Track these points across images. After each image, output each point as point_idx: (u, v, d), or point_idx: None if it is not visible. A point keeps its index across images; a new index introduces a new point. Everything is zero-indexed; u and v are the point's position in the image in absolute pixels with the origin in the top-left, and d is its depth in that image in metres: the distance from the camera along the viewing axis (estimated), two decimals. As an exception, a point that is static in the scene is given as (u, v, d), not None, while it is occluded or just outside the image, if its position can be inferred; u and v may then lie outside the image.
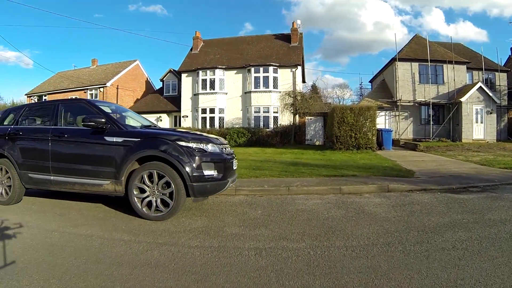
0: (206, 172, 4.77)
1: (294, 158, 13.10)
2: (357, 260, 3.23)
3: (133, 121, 6.35)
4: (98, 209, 5.37)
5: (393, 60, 22.97)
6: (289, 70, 23.37)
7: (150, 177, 4.78)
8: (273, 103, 22.83)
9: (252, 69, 23.62)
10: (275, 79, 23.42)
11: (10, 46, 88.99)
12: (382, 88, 24.54)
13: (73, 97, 32.10)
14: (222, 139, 5.53)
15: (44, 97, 33.91)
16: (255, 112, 23.62)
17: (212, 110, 24.71)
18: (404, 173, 8.50)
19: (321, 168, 9.43)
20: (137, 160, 4.88)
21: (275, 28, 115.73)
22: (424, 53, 22.16)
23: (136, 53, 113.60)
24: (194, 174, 4.65)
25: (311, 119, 23.42)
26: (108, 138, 5.01)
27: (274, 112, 22.96)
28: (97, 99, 30.58)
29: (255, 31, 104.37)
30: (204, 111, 24.86)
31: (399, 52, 22.99)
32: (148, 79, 37.34)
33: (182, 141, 4.80)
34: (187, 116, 26.02)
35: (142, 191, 4.81)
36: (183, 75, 26.26)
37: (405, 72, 22.34)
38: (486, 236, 3.85)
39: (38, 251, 3.51)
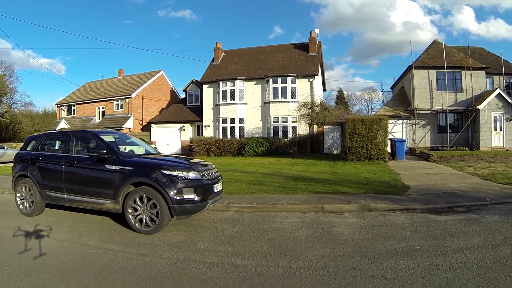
0: (186, 196, 5.85)
1: (302, 170, 13.93)
2: (285, 280, 3.85)
3: (137, 147, 7.84)
4: (103, 222, 6.73)
5: (409, 68, 23.42)
6: (307, 80, 24.29)
7: (141, 199, 5.96)
8: (291, 113, 23.80)
9: (271, 80, 24.70)
10: (293, 89, 24.40)
11: (43, 54, 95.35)
12: (401, 96, 25.04)
13: (100, 107, 34.18)
14: (208, 165, 6.70)
15: (73, 107, 36.27)
16: (274, 122, 24.66)
17: (232, 120, 25.97)
18: (398, 190, 8.94)
19: (319, 183, 10.15)
20: (131, 184, 6.07)
21: (304, 30, 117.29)
22: (442, 59, 22.47)
23: (162, 63, 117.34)
24: (175, 198, 5.75)
25: (329, 128, 24.17)
26: (108, 166, 6.29)
27: (292, 122, 23.92)
28: (123, 109, 32.51)
29: (284, 34, 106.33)
30: (225, 121, 26.15)
31: (416, 60, 23.45)
32: (173, 88, 39.09)
33: (167, 170, 5.93)
34: (209, 126, 27.38)
35: (135, 210, 6.00)
36: (205, 86, 27.67)
37: (422, 79, 22.76)
38: (426, 266, 4.09)
39: (47, 256, 4.83)
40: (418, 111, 22.26)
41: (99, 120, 33.83)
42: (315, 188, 9.34)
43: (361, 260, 4.41)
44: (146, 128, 31.59)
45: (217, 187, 6.56)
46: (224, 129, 26.16)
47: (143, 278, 4.03)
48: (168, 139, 29.86)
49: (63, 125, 33.35)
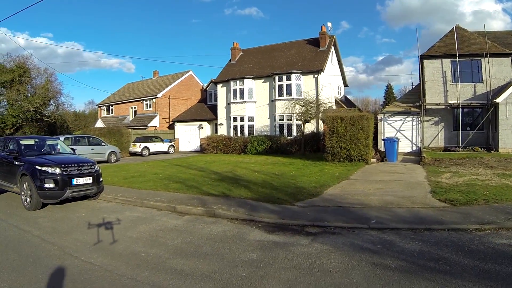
0: (46, 185, 7.89)
1: (272, 171, 14.18)
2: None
3: (61, 147, 10.48)
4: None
5: (421, 58, 21.88)
6: (312, 76, 24.03)
7: (25, 185, 8.22)
8: (296, 110, 23.67)
9: (276, 77, 25.02)
10: (298, 86, 24.39)
11: (114, 53, 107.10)
12: (417, 90, 23.46)
13: (133, 107, 36.90)
14: (81, 164, 8.65)
15: (111, 107, 39.84)
16: (279, 120, 24.94)
17: (242, 119, 26.75)
18: (297, 198, 8.58)
19: (236, 185, 10.63)
20: (22, 174, 8.29)
21: (371, 24, 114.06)
22: (460, 47, 20.68)
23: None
24: (38, 185, 7.85)
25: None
26: (15, 162, 8.81)
27: (297, 120, 23.80)
28: (150, 108, 34.79)
29: (351, 29, 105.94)
30: (235, 119, 27.03)
31: (429, 49, 21.87)
32: (204, 87, 40.73)
33: (39, 166, 8.08)
34: (222, 124, 28.49)
35: (23, 192, 8.30)
36: (219, 86, 28.83)
37: (434, 71, 21.13)
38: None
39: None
40: (428, 106, 20.78)
41: (131, 119, 36.75)
42: (214, 189, 10.03)
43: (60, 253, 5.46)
44: (173, 126, 33.50)
45: (80, 181, 8.41)
46: (235, 127, 27.08)
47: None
48: (189, 137, 31.56)
49: (99, 123, 36.70)
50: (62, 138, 19.26)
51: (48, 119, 34.36)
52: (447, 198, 7.97)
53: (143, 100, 36.13)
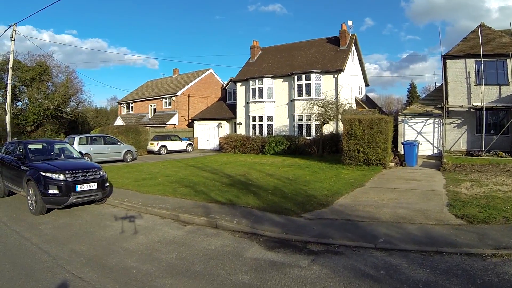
0: (50, 191, 8.15)
1: (286, 174, 14.21)
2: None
3: (69, 150, 10.92)
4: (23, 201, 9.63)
5: (444, 58, 21.45)
6: (332, 76, 23.90)
7: (31, 189, 8.52)
8: (314, 111, 23.56)
9: (295, 77, 25.03)
10: (317, 86, 24.33)
11: (138, 50, 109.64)
12: (440, 91, 22.99)
13: (152, 105, 37.42)
14: (86, 170, 8.86)
15: (131, 104, 40.59)
16: (298, 120, 24.98)
17: (261, 118, 26.90)
18: (305, 208, 8.42)
19: (245, 191, 10.60)
20: (27, 179, 8.58)
21: (395, 21, 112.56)
22: (485, 46, 20.21)
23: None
24: (42, 191, 8.11)
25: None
26: (22, 167, 9.16)
27: (316, 121, 23.69)
28: (170, 106, 35.25)
29: (375, 26, 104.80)
30: (254, 118, 27.19)
31: (452, 49, 21.40)
32: (224, 85, 40.97)
33: (43, 171, 8.36)
34: (241, 123, 28.69)
35: (30, 197, 8.58)
36: (238, 84, 29.04)
37: (458, 71, 20.66)
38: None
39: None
40: (450, 108, 20.39)
41: (150, 117, 37.41)
42: (222, 195, 10.02)
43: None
44: (192, 124, 33.92)
45: (84, 187, 8.64)
46: (254, 126, 27.28)
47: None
48: (208, 135, 31.95)
49: (119, 121, 37.51)
50: (77, 137, 19.77)
51: (68, 117, 35.32)
52: (464, 214, 7.56)
53: (162, 98, 36.72)
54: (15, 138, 36.14)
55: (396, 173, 14.76)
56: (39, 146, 10.62)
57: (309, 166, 16.63)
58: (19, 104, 34.46)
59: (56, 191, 8.14)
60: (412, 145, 17.07)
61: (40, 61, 33.68)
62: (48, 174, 8.29)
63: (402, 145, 18.41)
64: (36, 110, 32.33)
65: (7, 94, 21.43)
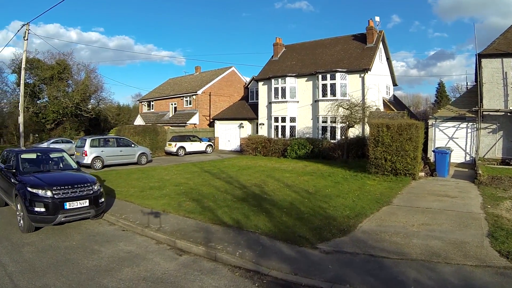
0: (36, 209, 7.50)
1: (306, 186, 13.24)
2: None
3: (66, 160, 10.28)
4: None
5: (479, 57, 19.96)
6: (358, 75, 22.85)
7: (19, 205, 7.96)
8: (339, 113, 22.56)
9: (320, 76, 24.01)
10: (343, 86, 23.28)
11: (164, 47, 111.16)
12: (473, 93, 21.53)
13: (173, 103, 37.25)
14: (76, 186, 8.14)
15: (152, 103, 40.56)
16: (322, 121, 24.00)
17: (283, 119, 26.08)
18: (324, 234, 7.51)
19: (269, 213, 9.23)
20: (15, 194, 8.06)
21: (422, 18, 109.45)
22: (525, 44, 18.74)
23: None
24: (28, 208, 7.50)
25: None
26: (12, 179, 8.63)
27: (341, 123, 22.63)
28: (190, 105, 34.97)
29: (402, 23, 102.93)
30: (276, 119, 26.42)
31: (487, 47, 19.89)
32: (246, 83, 40.39)
33: (30, 187, 7.74)
34: (263, 124, 28.00)
35: (18, 213, 7.97)
36: (260, 83, 28.29)
37: (494, 71, 19.07)
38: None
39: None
40: (485, 112, 19.00)
41: (171, 116, 37.21)
42: (230, 214, 9.13)
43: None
44: (213, 124, 33.53)
45: (73, 205, 7.92)
46: (276, 127, 26.47)
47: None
48: (229, 136, 31.43)
49: (139, 120, 37.51)
50: (89, 139, 19.18)
51: (88, 115, 35.56)
52: (510, 251, 6.24)
53: (183, 96, 36.39)
54: (36, 135, 37.33)
55: (427, 186, 13.51)
56: (33, 155, 10.00)
57: (332, 175, 15.69)
58: (39, 102, 34.99)
59: (42, 209, 7.49)
60: (444, 154, 15.77)
61: (59, 59, 33.97)
62: (34, 190, 7.66)
63: (433, 153, 17.29)
64: (56, 108, 32.72)
65: (20, 94, 21.21)
